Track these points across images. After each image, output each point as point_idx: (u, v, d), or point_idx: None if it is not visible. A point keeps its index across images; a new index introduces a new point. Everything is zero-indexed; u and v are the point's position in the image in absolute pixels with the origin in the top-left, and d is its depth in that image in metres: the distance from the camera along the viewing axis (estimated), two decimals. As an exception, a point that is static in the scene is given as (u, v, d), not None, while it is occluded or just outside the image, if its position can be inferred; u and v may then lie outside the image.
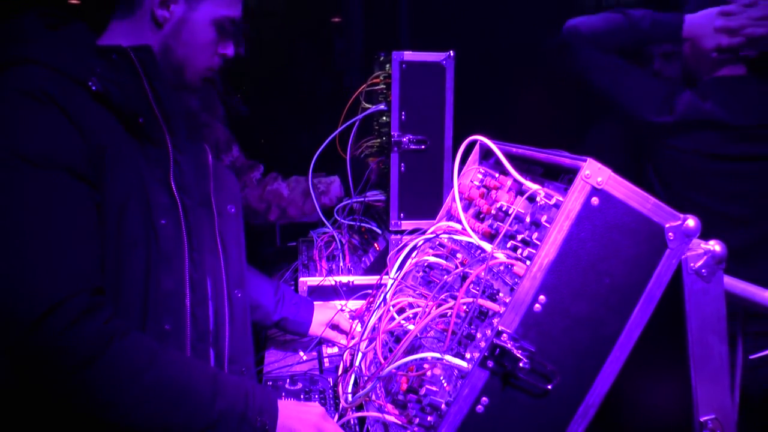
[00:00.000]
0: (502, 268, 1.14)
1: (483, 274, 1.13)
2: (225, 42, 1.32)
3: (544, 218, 1.09)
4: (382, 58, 1.93)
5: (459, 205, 1.31)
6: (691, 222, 1.01)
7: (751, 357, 1.43)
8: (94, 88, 1.13)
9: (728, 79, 1.97)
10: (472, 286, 1.15)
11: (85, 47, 1.20)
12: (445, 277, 1.27)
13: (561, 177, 1.14)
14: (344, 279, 1.94)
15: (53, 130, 1.08)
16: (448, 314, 1.13)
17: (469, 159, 1.47)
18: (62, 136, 1.08)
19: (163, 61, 1.24)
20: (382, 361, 1.19)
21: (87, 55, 1.18)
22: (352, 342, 1.51)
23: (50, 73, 1.11)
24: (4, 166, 1.04)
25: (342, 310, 1.73)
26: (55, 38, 1.20)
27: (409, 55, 1.78)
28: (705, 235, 1.03)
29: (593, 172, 0.98)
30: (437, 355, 1.08)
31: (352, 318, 1.71)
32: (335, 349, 1.71)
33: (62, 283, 1.01)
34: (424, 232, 1.42)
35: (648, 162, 2.07)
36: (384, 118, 1.92)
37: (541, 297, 0.99)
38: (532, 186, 1.16)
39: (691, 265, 1.03)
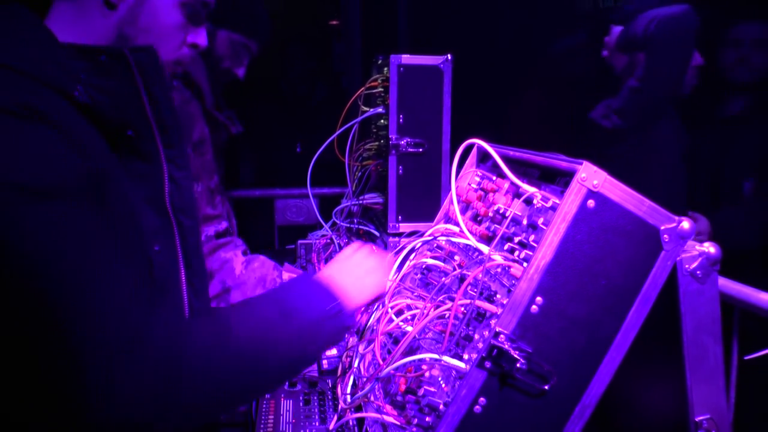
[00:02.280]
0: (499, 270, 1.15)
1: (480, 275, 1.14)
2: (194, 28, 1.13)
3: (540, 220, 1.10)
4: (380, 62, 1.94)
5: (457, 208, 1.32)
6: (686, 224, 1.02)
7: (746, 358, 1.44)
8: (81, 99, 0.93)
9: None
10: (469, 287, 1.15)
11: (51, 43, 0.97)
12: (443, 279, 1.28)
13: (557, 180, 1.16)
14: (343, 281, 1.94)
15: (50, 151, 0.87)
16: (446, 316, 1.14)
17: (467, 162, 1.48)
18: (61, 157, 0.88)
19: None
20: (381, 362, 1.19)
21: (59, 55, 0.95)
22: (351, 344, 1.52)
23: (24, 81, 0.88)
24: (4, 204, 0.82)
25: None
26: (7, 32, 0.94)
27: (407, 59, 1.79)
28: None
29: (589, 175, 0.99)
30: (435, 356, 1.09)
31: None
32: (333, 351, 1.72)
33: (111, 322, 0.87)
34: (422, 235, 1.43)
35: None
36: (382, 121, 1.93)
37: (538, 298, 1.00)
38: (528, 189, 1.17)
39: (686, 266, 1.04)
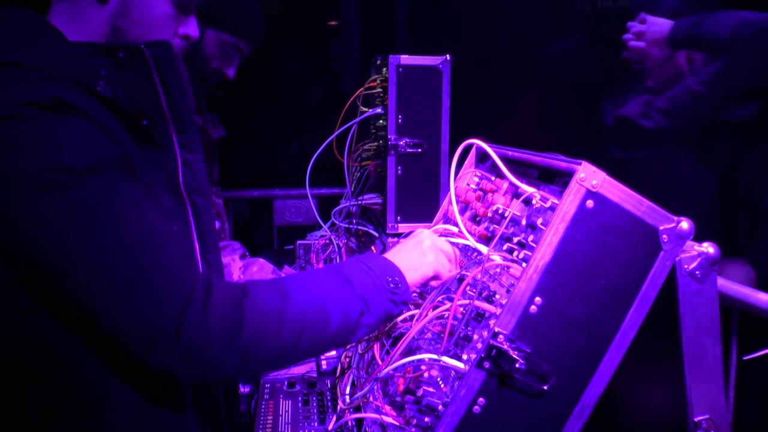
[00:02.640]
0: (498, 270, 1.15)
1: (479, 276, 1.14)
2: (184, 18, 1.15)
3: (539, 221, 1.10)
4: (379, 62, 1.94)
5: (455, 208, 1.32)
6: (684, 224, 1.02)
7: (745, 358, 1.45)
8: (104, 93, 0.99)
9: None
10: (468, 288, 1.15)
11: (64, 41, 1.02)
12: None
13: (556, 180, 1.16)
14: (341, 282, 1.94)
15: (88, 137, 0.93)
16: (445, 316, 1.14)
17: (466, 162, 1.48)
18: (99, 141, 0.94)
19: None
20: (380, 362, 1.19)
21: (78, 53, 1.01)
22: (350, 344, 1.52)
23: (50, 78, 0.93)
24: (61, 186, 0.88)
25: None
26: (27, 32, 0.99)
27: (405, 59, 1.79)
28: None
29: (588, 176, 0.99)
30: (434, 356, 1.09)
31: None
32: (332, 352, 1.72)
33: (180, 273, 0.95)
34: (421, 235, 1.43)
35: None
36: (381, 121, 1.93)
37: (537, 298, 1.00)
38: (527, 189, 1.17)
39: (685, 266, 1.04)
